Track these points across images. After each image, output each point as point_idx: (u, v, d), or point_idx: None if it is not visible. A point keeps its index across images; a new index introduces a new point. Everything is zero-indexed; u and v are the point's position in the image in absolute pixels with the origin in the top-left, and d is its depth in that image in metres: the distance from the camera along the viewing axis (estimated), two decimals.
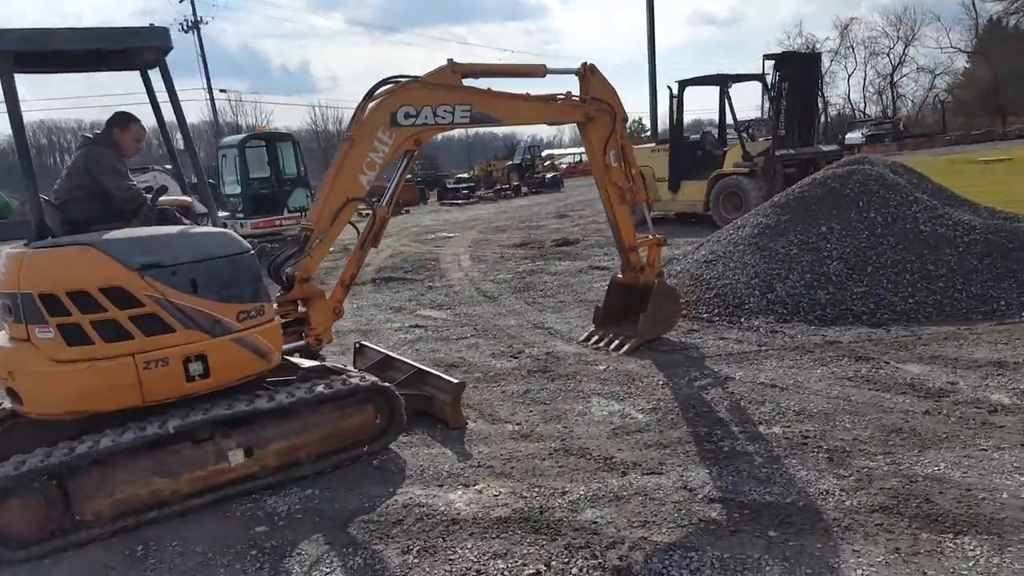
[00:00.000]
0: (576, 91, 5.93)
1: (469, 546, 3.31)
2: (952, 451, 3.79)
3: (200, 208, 4.95)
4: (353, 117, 5.10)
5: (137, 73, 4.62)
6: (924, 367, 5.09)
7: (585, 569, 3.04)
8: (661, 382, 5.30)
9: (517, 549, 3.24)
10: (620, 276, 6.65)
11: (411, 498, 3.84)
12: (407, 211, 26.72)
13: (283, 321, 4.84)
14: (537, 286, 9.36)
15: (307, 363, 5.10)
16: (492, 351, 6.56)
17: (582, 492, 3.72)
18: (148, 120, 4.67)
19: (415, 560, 3.24)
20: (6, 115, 3.92)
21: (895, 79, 57.32)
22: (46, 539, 3.59)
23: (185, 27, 44.46)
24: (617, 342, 6.27)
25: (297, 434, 4.24)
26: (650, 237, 6.50)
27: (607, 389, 5.26)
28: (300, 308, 4.97)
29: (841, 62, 58.22)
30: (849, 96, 60.12)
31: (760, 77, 12.77)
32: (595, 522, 3.41)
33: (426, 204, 31.69)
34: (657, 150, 14.23)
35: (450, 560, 3.21)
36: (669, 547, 3.15)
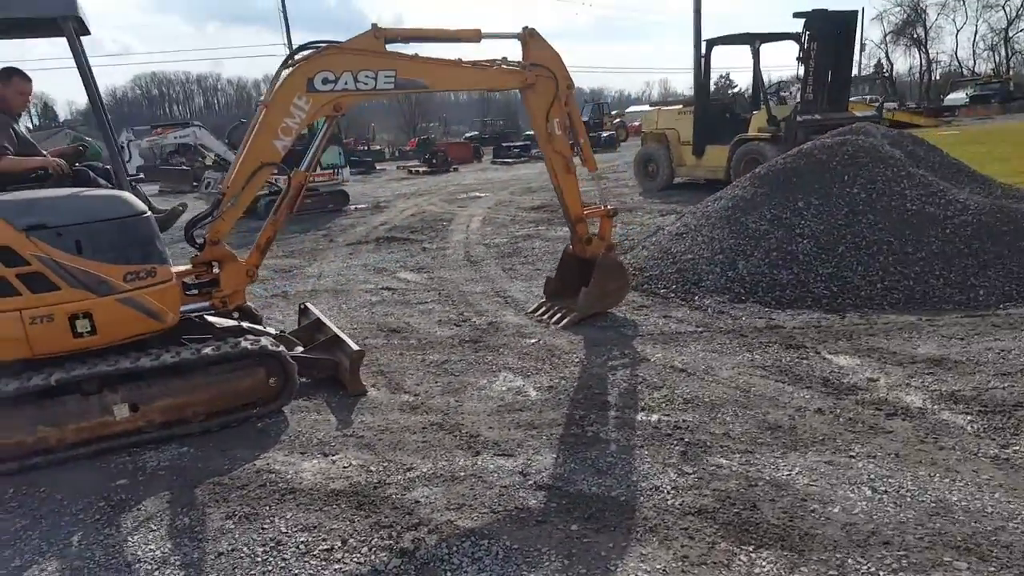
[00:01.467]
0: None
1: (288, 516, 3.34)
2: (818, 455, 3.56)
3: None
4: (271, 83, 5.08)
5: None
6: (854, 360, 4.78)
7: (376, 549, 3.03)
8: (577, 360, 5.18)
9: (328, 523, 3.26)
10: (571, 247, 6.48)
11: (268, 464, 3.90)
12: (455, 169, 26.75)
13: (197, 282, 4.95)
14: (523, 252, 9.25)
15: (224, 322, 5.23)
16: (441, 318, 6.54)
17: (425, 470, 3.69)
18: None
19: (232, 526, 3.30)
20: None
21: (1010, 34, 52.92)
22: None
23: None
24: (559, 316, 6.14)
25: (183, 393, 4.35)
26: (601, 208, 6.29)
27: (520, 364, 5.17)
28: (215, 270, 5.04)
29: (949, 16, 54.20)
30: (956, 53, 56.01)
31: (796, 36, 12.00)
32: (417, 502, 3.39)
33: (479, 162, 31.57)
34: (684, 112, 13.67)
35: (262, 529, 3.25)
36: (466, 533, 3.09)
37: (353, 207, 16.06)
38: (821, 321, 5.59)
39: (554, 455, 3.75)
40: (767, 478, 3.37)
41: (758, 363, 4.84)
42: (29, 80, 4.68)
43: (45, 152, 4.79)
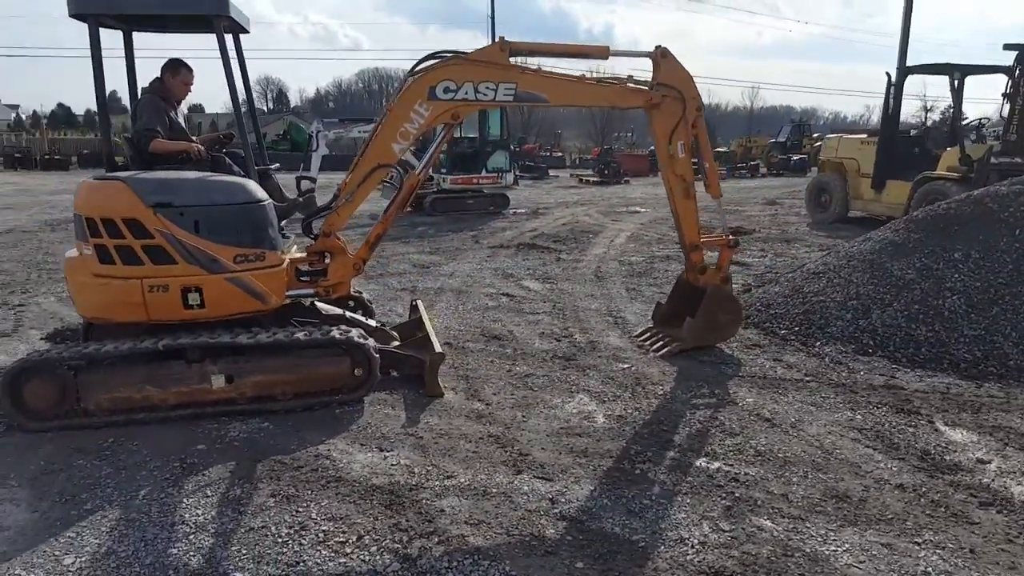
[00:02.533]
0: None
1: (323, 504, 3.50)
2: (878, 535, 3.17)
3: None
4: (397, 89, 5.31)
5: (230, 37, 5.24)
6: (971, 436, 4.20)
7: (383, 550, 3.10)
8: (661, 392, 4.97)
9: (354, 517, 3.37)
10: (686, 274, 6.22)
11: (328, 450, 4.10)
12: (627, 181, 26.49)
13: (309, 270, 5.30)
14: (655, 273, 8.99)
15: (330, 309, 5.56)
16: (545, 331, 6.53)
17: (463, 480, 3.71)
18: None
19: (272, 504, 3.50)
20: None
21: None
22: (56, 418, 4.41)
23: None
24: (660, 344, 5.92)
25: (274, 372, 4.68)
26: (720, 237, 6.00)
27: (601, 388, 5.05)
28: (326, 260, 5.36)
29: None
30: None
31: (1006, 70, 10.67)
32: (442, 511, 3.42)
33: (655, 176, 31.01)
34: (867, 142, 12.59)
35: (296, 512, 3.43)
36: (472, 550, 3.08)
37: (512, 211, 16.42)
38: (951, 388, 4.96)
39: (592, 487, 3.63)
40: (807, 550, 3.06)
41: (855, 424, 4.38)
42: (192, 72, 5.23)
43: (193, 138, 5.35)
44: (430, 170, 16.55)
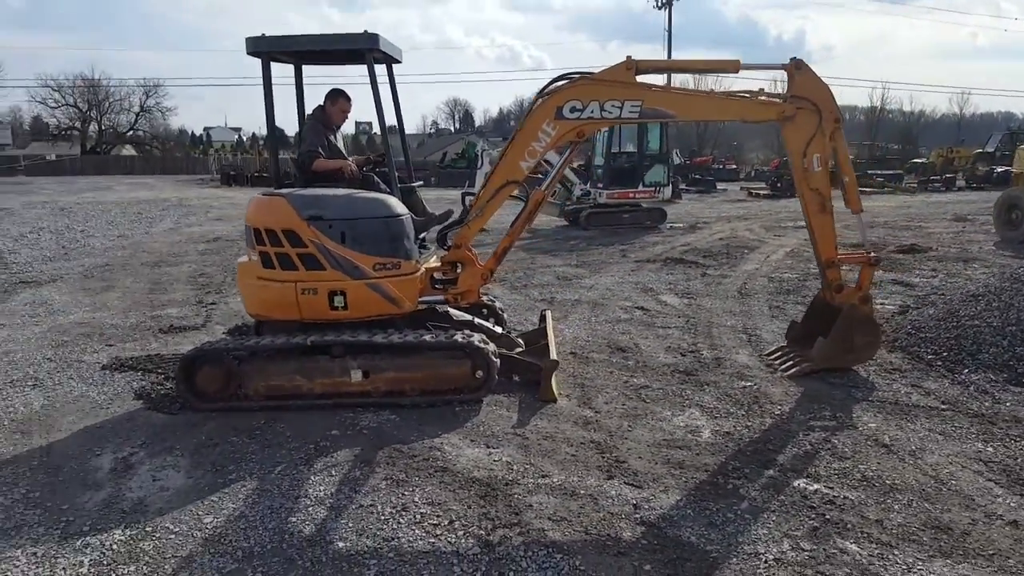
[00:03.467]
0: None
1: (428, 489, 3.85)
2: (971, 569, 3.01)
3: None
4: (527, 109, 5.63)
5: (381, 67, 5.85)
6: None
7: (469, 535, 3.39)
8: (778, 412, 4.88)
9: (450, 503, 3.69)
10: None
11: (442, 443, 4.46)
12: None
13: (442, 279, 5.73)
14: (805, 291, 8.64)
15: (460, 315, 5.97)
16: (671, 345, 6.57)
17: (556, 481, 3.92)
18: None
19: (384, 486, 3.91)
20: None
21: None
22: (221, 400, 5.13)
23: (658, 5, 47.46)
24: (789, 363, 5.77)
25: (405, 369, 5.14)
26: (861, 254, 5.76)
27: (715, 404, 5.04)
28: (458, 270, 5.77)
29: None
30: None
31: None
32: (530, 506, 3.65)
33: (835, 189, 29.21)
34: None
35: (402, 494, 3.81)
36: (549, 544, 3.28)
37: (668, 226, 16.29)
38: None
39: (678, 497, 3.71)
40: None
41: (983, 456, 4.09)
42: (350, 101, 5.85)
43: (349, 159, 5.98)
44: (586, 184, 16.85)
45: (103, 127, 64.03)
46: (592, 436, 4.52)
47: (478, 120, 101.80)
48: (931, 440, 4.34)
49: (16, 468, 4.16)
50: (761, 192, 25.61)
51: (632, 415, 4.88)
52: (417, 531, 3.44)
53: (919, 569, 3.02)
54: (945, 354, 5.73)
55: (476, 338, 5.20)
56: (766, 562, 3.11)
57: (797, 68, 5.42)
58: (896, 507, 3.55)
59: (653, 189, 16.38)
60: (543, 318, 6.65)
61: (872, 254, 5.77)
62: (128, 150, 64.60)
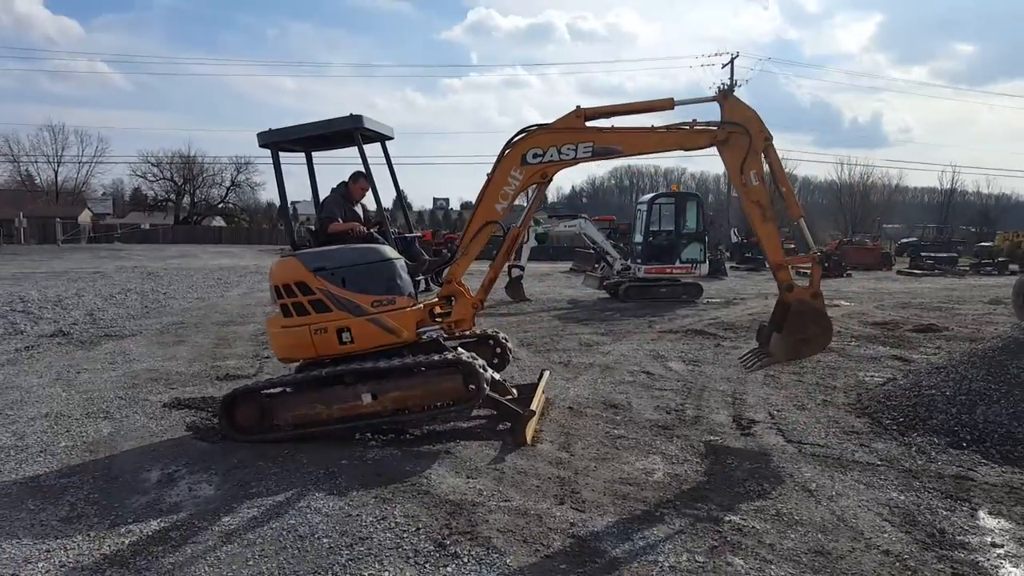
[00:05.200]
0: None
1: (406, 506, 4.67)
2: None
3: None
4: (497, 159, 6.46)
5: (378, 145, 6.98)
6: (1007, 524, 4.32)
7: (428, 538, 4.18)
8: (730, 462, 5.52)
9: (420, 516, 4.49)
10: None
11: (431, 473, 5.26)
12: (848, 274, 25.34)
13: (440, 312, 6.66)
14: (803, 362, 9.16)
15: (452, 344, 6.82)
16: (661, 404, 7.25)
17: (515, 504, 4.68)
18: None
19: (372, 502, 4.75)
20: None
21: None
22: (255, 432, 6.10)
23: (721, 88, 49.05)
24: (755, 361, 6.49)
25: (407, 388, 5.99)
26: (808, 256, 6.55)
27: (677, 453, 5.72)
28: (453, 303, 6.67)
29: None
30: None
31: None
32: (486, 521, 4.42)
33: (887, 270, 29.16)
34: None
35: (385, 508, 4.63)
36: (492, 548, 4.05)
37: (705, 300, 16.90)
38: None
39: (612, 520, 4.43)
40: None
41: (892, 503, 4.66)
42: (369, 180, 6.79)
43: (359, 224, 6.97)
44: (626, 260, 17.66)
45: (196, 199, 69.04)
46: (560, 473, 5.27)
47: (551, 197, 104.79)
48: (853, 488, 4.92)
49: (83, 476, 5.22)
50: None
51: (601, 458, 5.61)
52: (389, 534, 4.26)
53: None
54: (901, 419, 6.26)
55: (465, 355, 6.05)
56: (661, 568, 3.81)
57: (724, 98, 6.28)
58: (792, 536, 4.19)
59: (690, 265, 17.10)
60: (541, 375, 7.49)
61: (817, 254, 6.48)
62: (218, 221, 69.17)
